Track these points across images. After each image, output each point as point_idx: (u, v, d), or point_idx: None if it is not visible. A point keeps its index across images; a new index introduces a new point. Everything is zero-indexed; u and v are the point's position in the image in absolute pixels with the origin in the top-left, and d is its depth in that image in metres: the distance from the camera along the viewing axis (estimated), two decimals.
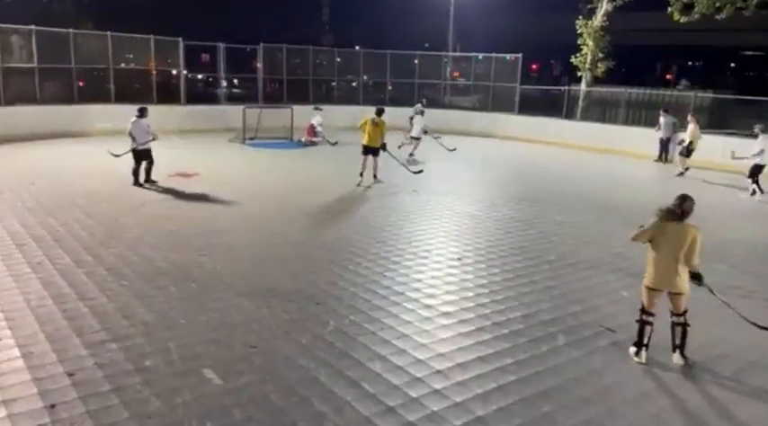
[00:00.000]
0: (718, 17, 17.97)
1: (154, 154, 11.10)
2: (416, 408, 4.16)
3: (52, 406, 3.96)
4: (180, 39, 20.03)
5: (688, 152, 14.91)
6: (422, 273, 6.92)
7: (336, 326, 5.38)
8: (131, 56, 20.16)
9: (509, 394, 4.40)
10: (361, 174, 11.99)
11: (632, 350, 5.08)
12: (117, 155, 11.28)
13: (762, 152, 12.00)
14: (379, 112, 12.11)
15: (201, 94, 23.68)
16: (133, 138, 10.82)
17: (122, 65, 19.55)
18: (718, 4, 17.69)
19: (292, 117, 18.24)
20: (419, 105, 20.36)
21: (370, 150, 12.02)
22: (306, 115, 18.38)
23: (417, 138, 16.09)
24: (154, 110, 18.56)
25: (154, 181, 11.09)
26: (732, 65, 54.66)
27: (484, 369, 4.73)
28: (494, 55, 23.51)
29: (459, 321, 5.64)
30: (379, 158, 12.20)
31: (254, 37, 22.73)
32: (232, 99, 23.02)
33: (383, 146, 12.05)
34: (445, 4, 29.47)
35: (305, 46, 23.80)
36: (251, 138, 17.68)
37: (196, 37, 21.43)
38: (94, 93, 18.44)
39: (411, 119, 19.57)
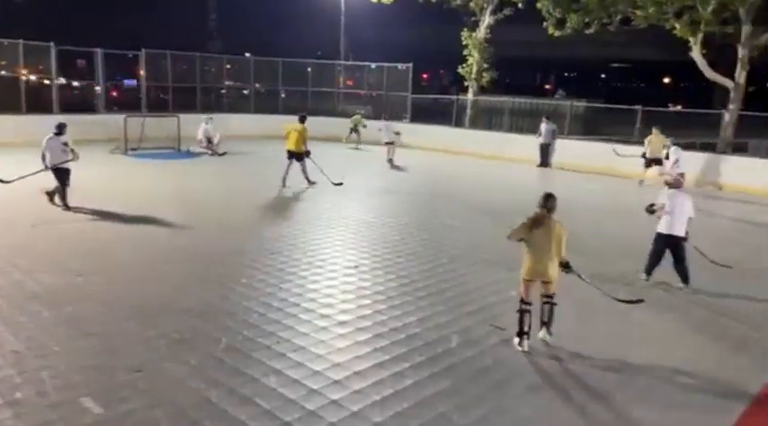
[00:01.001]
0: (587, 32, 19.44)
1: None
2: (314, 421, 4.09)
3: None
4: (51, 44, 18.63)
5: (646, 164, 14.87)
6: (317, 283, 6.85)
7: (229, 343, 5.18)
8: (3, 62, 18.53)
9: (405, 398, 4.45)
10: (284, 179, 12.55)
11: (515, 340, 5.39)
12: (6, 182, 10.04)
13: (678, 161, 12.79)
14: (302, 119, 12.76)
15: (78, 103, 22.10)
16: (43, 158, 9.72)
17: None
18: (587, 20, 19.14)
19: (179, 126, 17.51)
20: (358, 116, 21.07)
21: (294, 155, 12.55)
22: (194, 123, 17.71)
23: (390, 143, 17.13)
24: (23, 120, 17.29)
25: (66, 207, 9.82)
26: (602, 76, 59.65)
27: (381, 376, 4.76)
28: (385, 64, 23.98)
29: (356, 329, 5.64)
30: (304, 163, 12.61)
31: (135, 43, 21.58)
32: (112, 107, 21.72)
33: (307, 153, 12.54)
34: (337, 13, 29.65)
35: (191, 52, 23.00)
36: (134, 149, 16.76)
37: (71, 42, 20.02)
38: None
39: (351, 129, 20.35)
